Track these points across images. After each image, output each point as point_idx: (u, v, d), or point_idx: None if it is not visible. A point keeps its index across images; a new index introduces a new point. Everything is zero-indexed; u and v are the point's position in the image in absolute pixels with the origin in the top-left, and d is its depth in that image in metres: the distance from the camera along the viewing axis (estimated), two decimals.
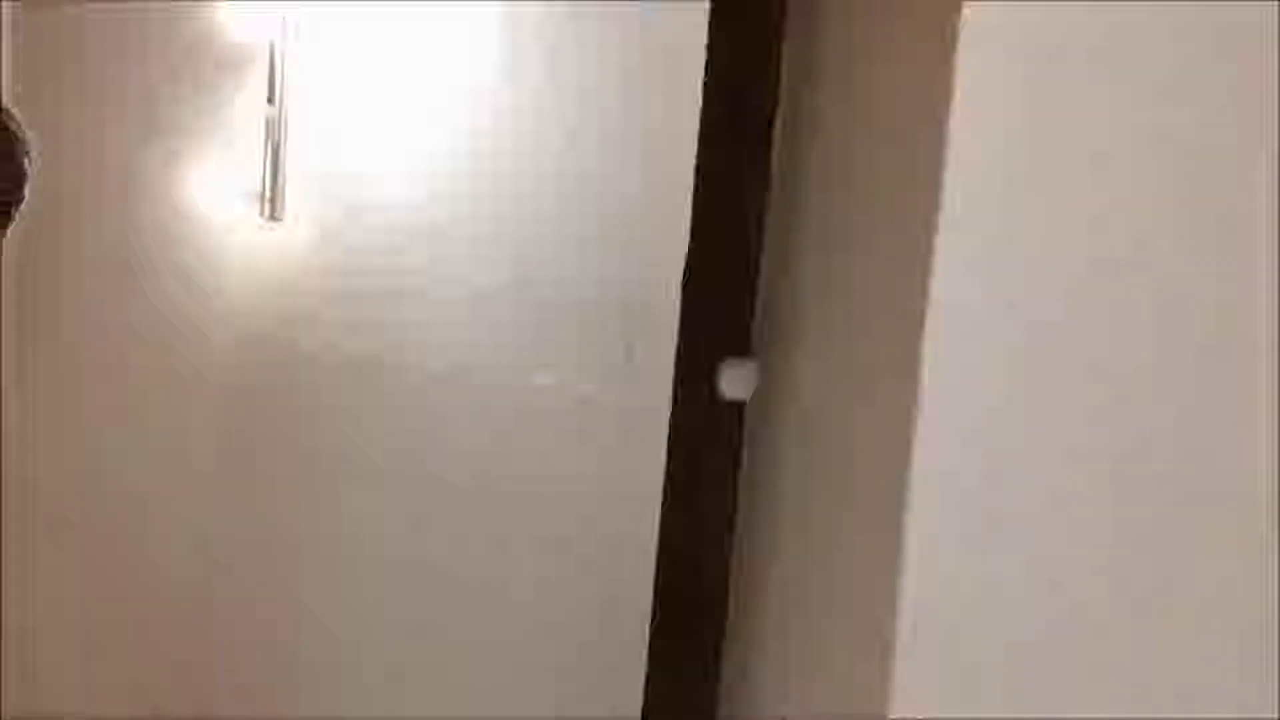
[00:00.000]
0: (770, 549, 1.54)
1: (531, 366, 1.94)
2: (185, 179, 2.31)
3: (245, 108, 2.25)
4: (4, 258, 2.36)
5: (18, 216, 1.45)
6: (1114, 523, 1.37)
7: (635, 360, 1.79)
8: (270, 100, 2.21)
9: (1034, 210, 1.32)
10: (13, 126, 1.45)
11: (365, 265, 2.14)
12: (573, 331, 1.90)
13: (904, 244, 1.33)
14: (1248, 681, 1.40)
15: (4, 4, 2.38)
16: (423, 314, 2.06)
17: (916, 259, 1.31)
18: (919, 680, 1.34)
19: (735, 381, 1.49)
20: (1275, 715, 1.40)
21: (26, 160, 1.44)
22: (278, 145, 2.21)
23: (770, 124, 1.49)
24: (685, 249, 1.51)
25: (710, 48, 1.49)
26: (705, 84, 1.50)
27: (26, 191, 1.45)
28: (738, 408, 1.51)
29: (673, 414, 1.53)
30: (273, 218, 2.22)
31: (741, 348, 1.51)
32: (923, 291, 1.30)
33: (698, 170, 1.51)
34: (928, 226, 1.30)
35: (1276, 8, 1.33)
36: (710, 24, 1.49)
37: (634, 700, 1.58)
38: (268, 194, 2.21)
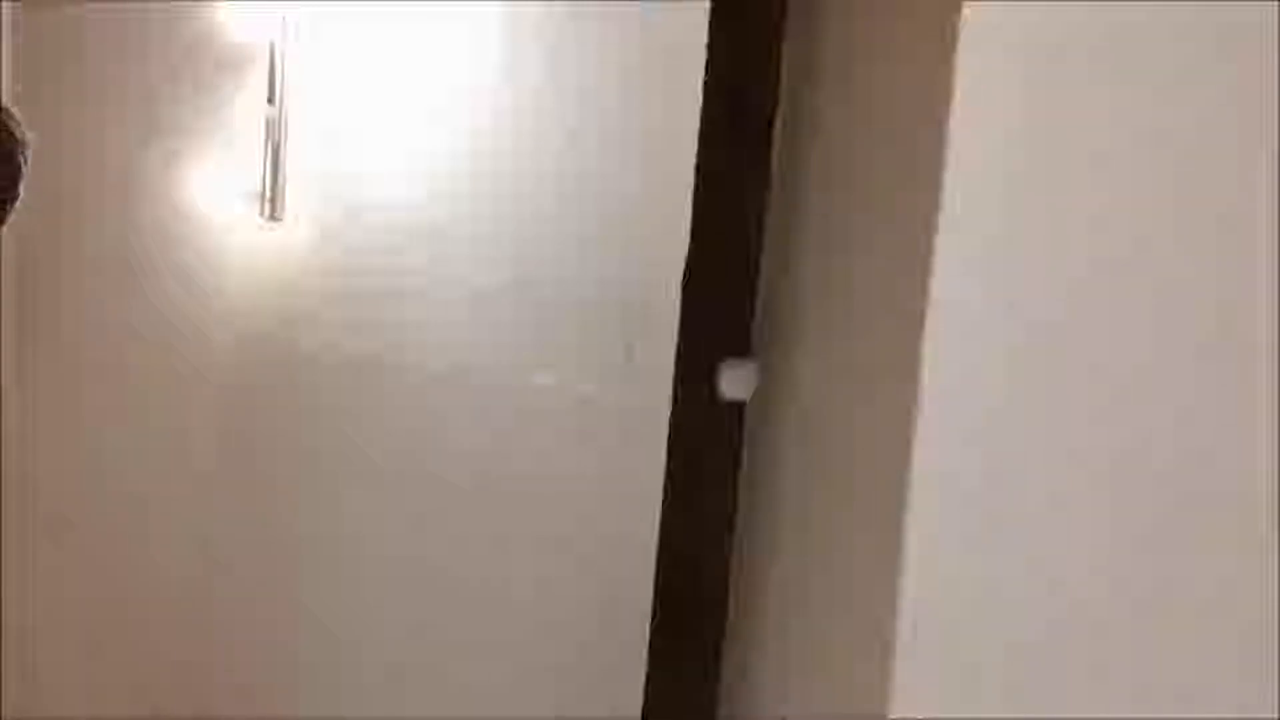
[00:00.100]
0: (770, 549, 1.54)
1: (531, 366, 1.94)
2: (185, 179, 2.31)
3: (245, 108, 2.25)
4: (4, 259, 2.36)
5: (13, 213, 1.45)
6: (1114, 523, 1.37)
7: (635, 360, 1.79)
8: (270, 100, 2.21)
9: (1034, 210, 1.32)
10: (11, 126, 1.45)
11: (365, 265, 2.14)
12: (573, 331, 1.90)
13: (904, 244, 1.33)
14: (1248, 681, 1.40)
15: (4, 4, 2.38)
16: (423, 314, 2.06)
17: (916, 259, 1.31)
18: (919, 680, 1.34)
19: (735, 381, 1.49)
20: (1275, 715, 1.40)
21: (23, 159, 1.44)
22: (278, 145, 2.21)
23: (770, 124, 1.49)
24: (685, 249, 1.51)
25: (710, 48, 1.49)
26: (705, 84, 1.50)
27: (22, 189, 1.45)
28: (738, 408, 1.51)
29: (673, 414, 1.53)
30: (273, 218, 2.22)
31: (741, 348, 1.51)
32: (923, 291, 1.30)
33: (698, 170, 1.51)
34: (928, 226, 1.30)
35: (1276, 8, 1.33)
36: (710, 24, 1.49)
37: (634, 700, 1.58)
38: (268, 194, 2.22)
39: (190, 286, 2.34)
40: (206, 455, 2.37)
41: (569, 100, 1.91)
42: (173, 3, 2.30)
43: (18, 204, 1.45)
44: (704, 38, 1.49)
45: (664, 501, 1.55)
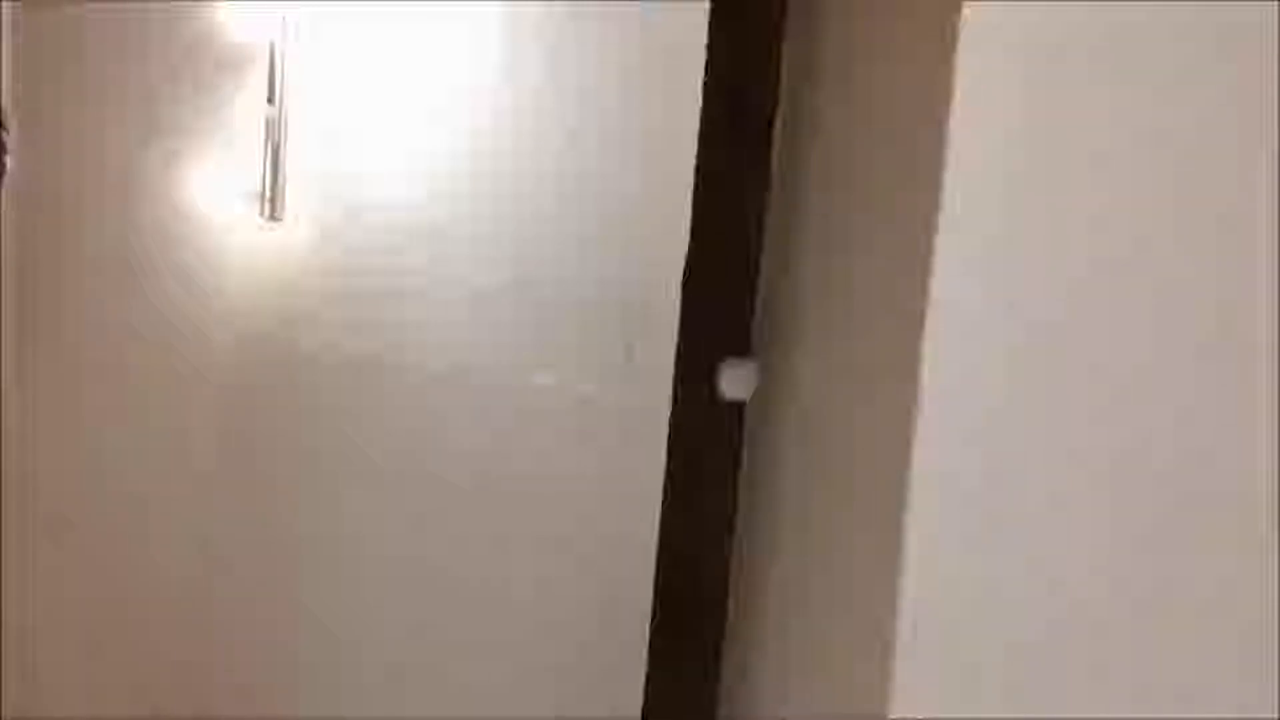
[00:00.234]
0: (770, 549, 1.54)
1: (531, 366, 1.94)
2: (185, 179, 2.31)
3: (245, 108, 2.25)
4: (4, 259, 2.36)
5: (5, 198, 1.45)
6: (1114, 523, 1.37)
7: (635, 360, 1.79)
8: (270, 100, 2.21)
9: (1034, 210, 1.32)
10: None
11: (365, 265, 2.14)
12: (573, 331, 1.90)
13: (904, 244, 1.33)
14: (1248, 681, 1.40)
15: (4, 4, 2.38)
16: (423, 314, 2.06)
17: (916, 259, 1.31)
18: (919, 680, 1.34)
19: (735, 381, 1.49)
20: (1275, 715, 1.40)
21: (4, 131, 1.44)
22: (278, 145, 2.21)
23: (770, 124, 1.49)
24: (685, 249, 1.51)
25: (710, 48, 1.49)
26: (705, 84, 1.50)
27: (8, 160, 1.45)
28: (738, 408, 1.51)
29: (673, 414, 1.53)
30: (273, 218, 2.22)
31: (741, 348, 1.51)
32: (923, 291, 1.30)
33: (698, 170, 1.51)
34: (928, 226, 1.30)
35: (1276, 8, 1.33)
36: (710, 24, 1.49)
37: (634, 700, 1.58)
38: (268, 194, 2.22)
39: (190, 286, 2.34)
40: (206, 455, 2.37)
41: (569, 100, 1.91)
42: (173, 3, 2.30)
43: (5, 186, 1.45)
44: (704, 38, 1.49)
45: (664, 501, 1.55)
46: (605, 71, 1.87)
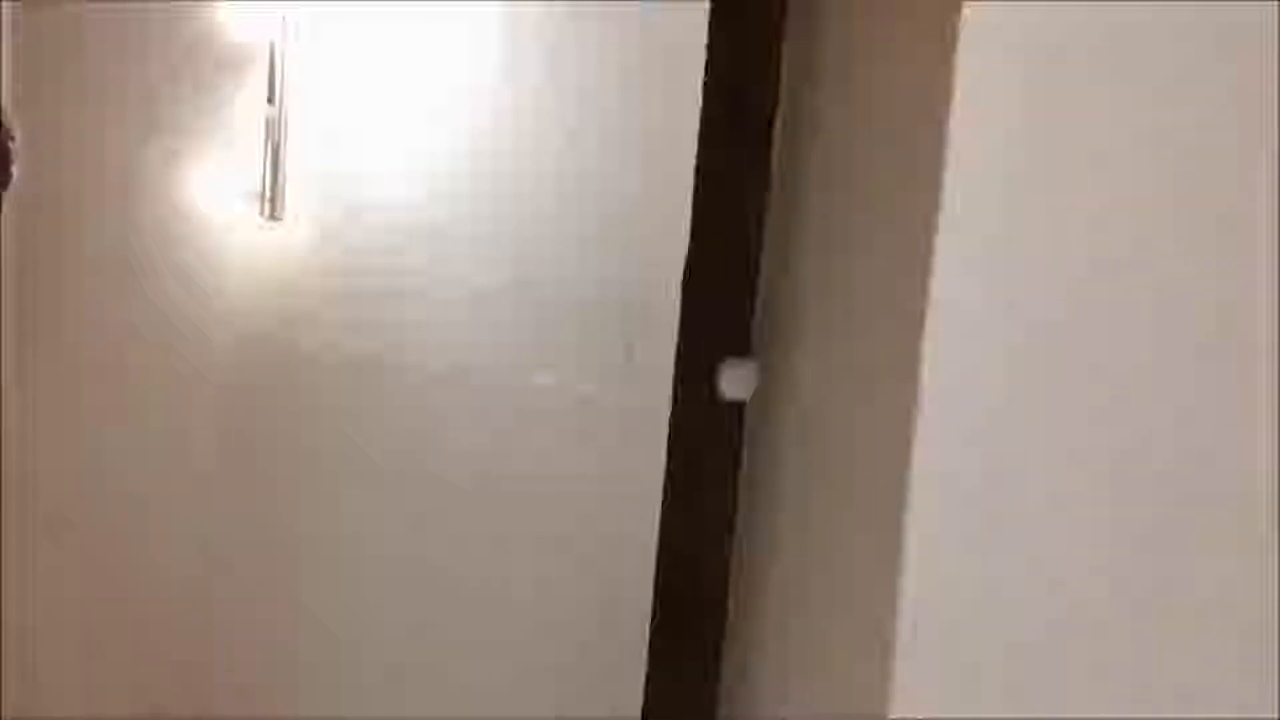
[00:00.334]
0: (770, 549, 1.54)
1: (531, 366, 1.94)
2: (185, 179, 2.31)
3: (245, 108, 2.25)
4: (4, 259, 2.36)
5: (5, 201, 1.45)
6: (1114, 523, 1.37)
7: (635, 360, 1.79)
8: (270, 100, 2.21)
9: (1034, 210, 1.32)
10: None
11: (365, 265, 2.14)
12: (573, 331, 1.90)
13: (904, 244, 1.33)
14: (1248, 681, 1.40)
15: (4, 4, 2.38)
16: (423, 314, 2.06)
17: (916, 259, 1.31)
18: (919, 680, 1.34)
19: (735, 381, 1.49)
20: (1275, 715, 1.40)
21: (11, 143, 1.44)
22: (278, 145, 2.21)
23: (770, 124, 1.49)
24: (685, 249, 1.51)
25: (710, 48, 1.49)
26: (705, 84, 1.50)
27: (15, 171, 1.45)
28: (738, 408, 1.51)
29: (673, 414, 1.53)
30: (273, 218, 2.22)
31: (741, 348, 1.51)
32: (923, 291, 1.30)
33: (698, 170, 1.51)
34: (928, 226, 1.30)
35: (1276, 8, 1.33)
36: (710, 24, 1.49)
37: (634, 700, 1.58)
38: (268, 194, 2.22)
39: (190, 286, 2.34)
40: (206, 455, 2.36)
41: (569, 100, 1.91)
42: (173, 3, 2.30)
43: (8, 190, 1.45)
44: (704, 38, 1.49)
45: (664, 501, 1.55)
46: (605, 71, 1.87)
